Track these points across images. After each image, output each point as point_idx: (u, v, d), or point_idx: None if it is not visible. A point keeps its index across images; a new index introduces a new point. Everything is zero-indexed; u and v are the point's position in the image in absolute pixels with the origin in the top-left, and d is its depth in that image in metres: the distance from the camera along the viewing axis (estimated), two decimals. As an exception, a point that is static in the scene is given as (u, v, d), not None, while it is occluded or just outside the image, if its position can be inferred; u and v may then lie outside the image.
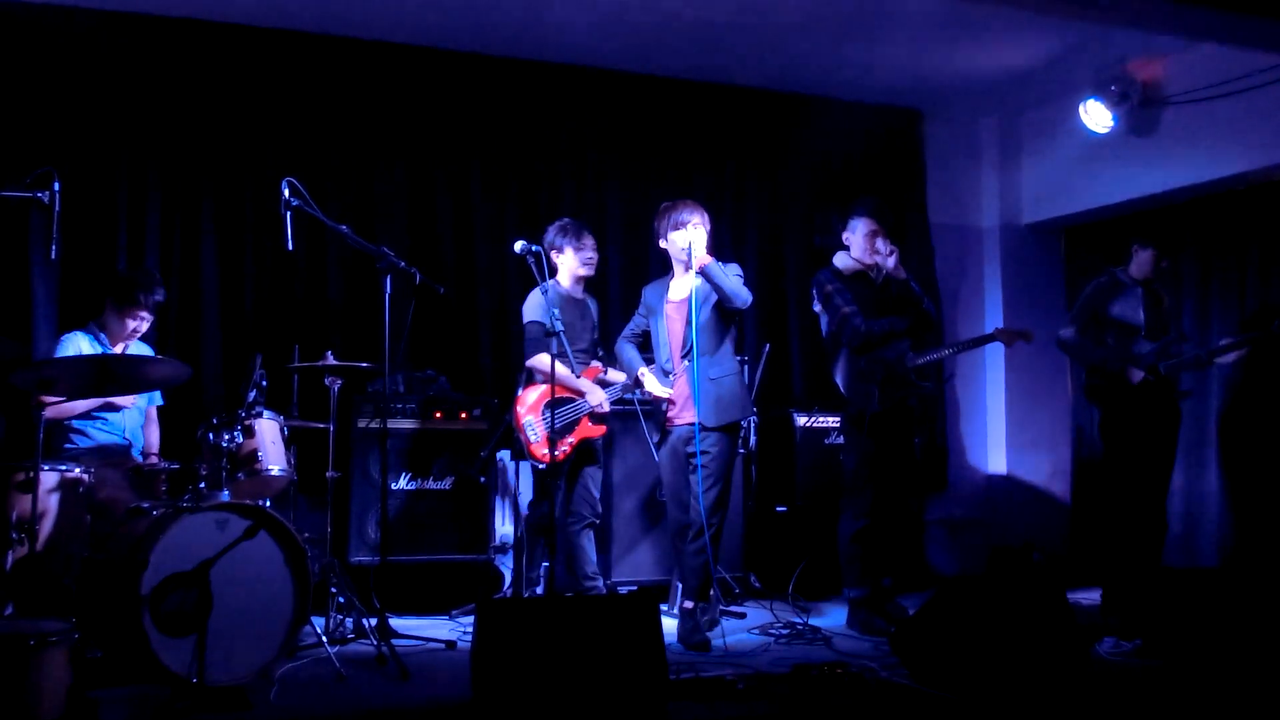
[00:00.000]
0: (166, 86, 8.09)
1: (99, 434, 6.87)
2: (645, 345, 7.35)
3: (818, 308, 7.53)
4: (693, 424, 6.84)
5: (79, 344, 6.81)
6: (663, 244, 7.12)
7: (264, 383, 6.53)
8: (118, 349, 6.93)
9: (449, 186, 8.86)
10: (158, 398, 7.29)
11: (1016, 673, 5.60)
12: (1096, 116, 9.21)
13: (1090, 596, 8.18)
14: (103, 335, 6.90)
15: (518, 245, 6.69)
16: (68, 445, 6.78)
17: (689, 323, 6.88)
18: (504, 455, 8.46)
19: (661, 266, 7.52)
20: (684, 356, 6.95)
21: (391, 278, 6.63)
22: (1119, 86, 9.04)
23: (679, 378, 7.02)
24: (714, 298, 6.90)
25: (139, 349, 7.11)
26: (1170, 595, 6.59)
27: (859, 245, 7.48)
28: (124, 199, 7.99)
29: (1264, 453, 8.91)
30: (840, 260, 7.57)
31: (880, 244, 7.40)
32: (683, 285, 7.08)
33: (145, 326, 7.04)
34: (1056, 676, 5.70)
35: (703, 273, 6.82)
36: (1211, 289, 9.44)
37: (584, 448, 7.40)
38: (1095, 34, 8.36)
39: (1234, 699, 5.62)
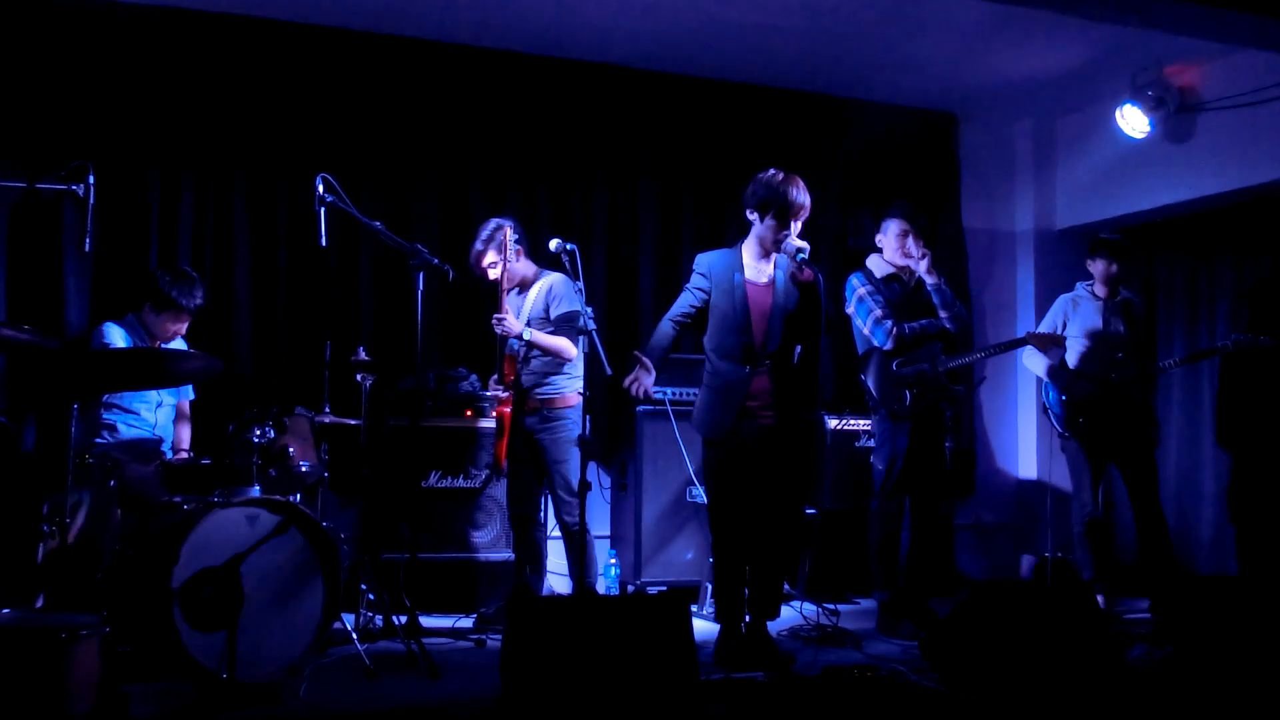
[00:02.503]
0: (200, 81, 8.10)
1: (130, 429, 6.89)
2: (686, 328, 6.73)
3: (850, 310, 7.50)
4: (768, 425, 6.40)
5: (114, 336, 6.84)
6: (753, 216, 6.53)
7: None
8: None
9: (482, 184, 8.84)
10: (189, 392, 7.31)
11: (1047, 678, 5.57)
12: (1133, 121, 9.16)
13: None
14: (139, 330, 6.93)
15: (553, 243, 6.64)
16: (99, 440, 6.80)
17: (775, 316, 6.45)
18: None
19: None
20: (769, 349, 6.43)
21: (424, 275, 6.65)
22: (1156, 91, 8.98)
23: (759, 377, 6.42)
24: (793, 294, 6.49)
25: (175, 343, 7.13)
26: (1201, 603, 6.55)
27: (891, 246, 7.47)
28: (156, 192, 8.00)
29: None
30: (874, 263, 7.56)
31: (911, 244, 7.39)
32: (762, 269, 6.57)
33: (184, 329, 7.07)
34: (1088, 682, 5.67)
35: (809, 287, 6.38)
36: (1245, 295, 9.38)
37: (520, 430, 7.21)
38: (1132, 38, 8.31)
39: (1266, 707, 5.58)
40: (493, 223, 7.36)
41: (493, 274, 7.28)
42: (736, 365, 6.45)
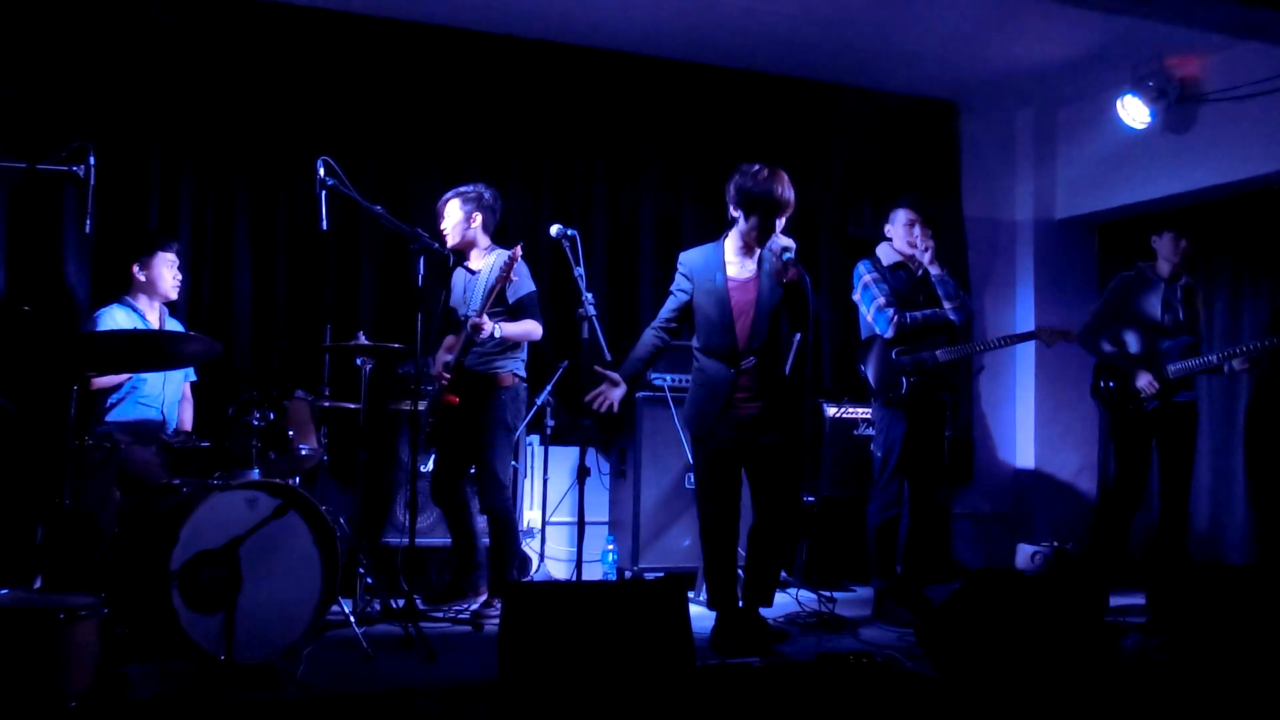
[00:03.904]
0: (202, 63, 8.08)
1: (135, 409, 6.88)
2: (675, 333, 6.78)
3: (856, 296, 7.52)
4: (752, 414, 6.41)
5: (115, 317, 6.84)
6: (736, 213, 6.43)
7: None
8: (154, 316, 6.96)
9: (483, 169, 8.79)
10: (192, 374, 7.30)
11: (1042, 666, 5.59)
12: (1133, 112, 9.17)
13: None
14: (138, 308, 6.93)
15: (553, 229, 6.63)
16: (106, 419, 6.79)
17: (757, 311, 6.43)
18: (533, 439, 8.48)
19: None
20: (753, 346, 6.42)
21: (425, 259, 6.64)
22: (1156, 82, 8.99)
23: (743, 370, 6.40)
24: (776, 290, 6.44)
25: (172, 326, 7.13)
26: (1195, 592, 6.58)
27: (899, 235, 7.49)
28: (156, 175, 7.98)
29: None
30: (883, 251, 7.57)
31: (918, 234, 7.40)
32: (745, 264, 6.52)
33: (178, 272, 7.10)
34: (1082, 670, 5.69)
35: (793, 286, 6.32)
36: (1243, 288, 9.38)
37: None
38: (1134, 29, 8.31)
39: (1259, 695, 5.61)
40: (480, 185, 7.42)
41: (443, 224, 7.31)
42: (723, 365, 6.45)
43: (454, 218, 7.27)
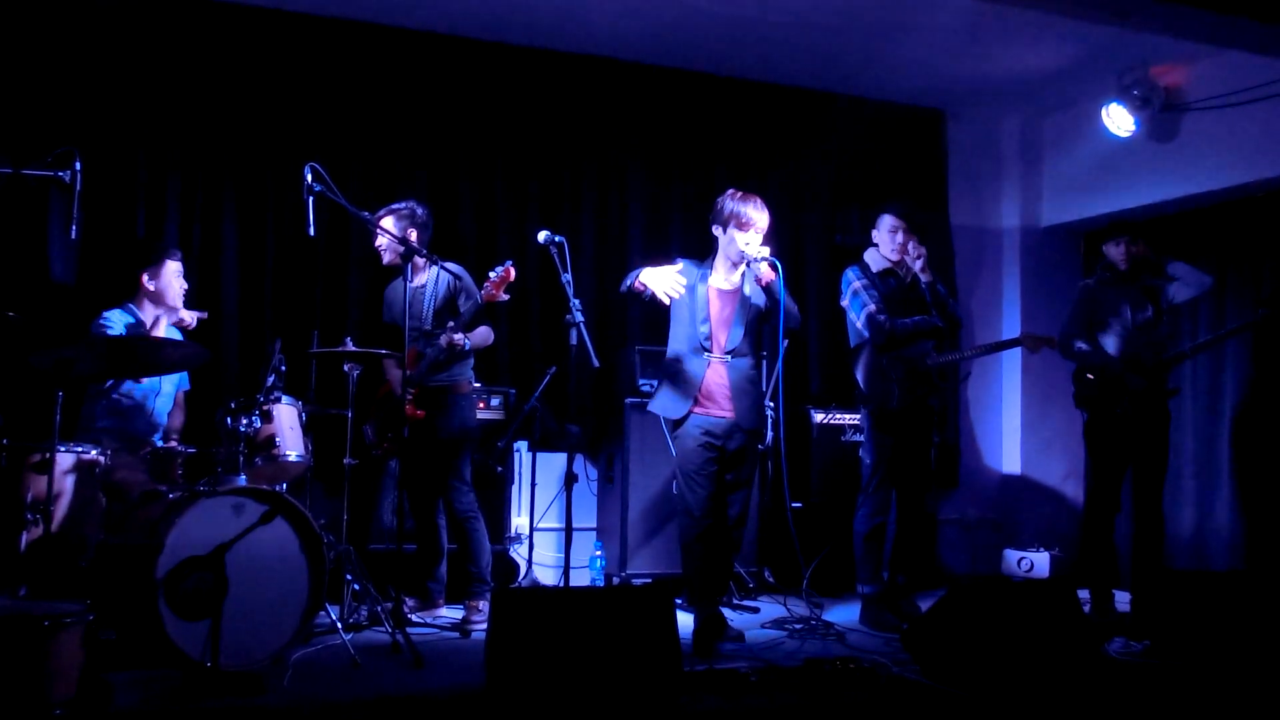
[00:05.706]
0: (189, 68, 8.06)
1: (121, 415, 6.83)
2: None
3: (845, 303, 7.54)
4: (725, 418, 6.65)
5: (115, 323, 6.80)
6: (716, 231, 6.80)
7: (283, 368, 6.55)
8: (160, 328, 6.93)
9: (471, 175, 8.83)
10: (185, 381, 7.26)
11: (1027, 671, 5.61)
12: (1118, 120, 9.21)
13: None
14: (139, 315, 6.90)
15: (541, 235, 6.65)
16: (97, 424, 6.76)
17: (737, 318, 6.72)
18: (521, 445, 8.48)
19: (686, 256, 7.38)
20: (728, 352, 6.69)
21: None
22: (1141, 91, 9.04)
23: (714, 367, 6.68)
24: (759, 300, 6.77)
25: (174, 334, 7.09)
26: (1180, 597, 6.59)
27: (886, 241, 7.51)
28: (144, 180, 7.96)
29: (1275, 454, 8.91)
30: (870, 257, 7.59)
31: (908, 241, 7.42)
32: (729, 276, 6.82)
33: (184, 280, 7.09)
34: (1067, 675, 5.71)
35: (769, 289, 6.63)
36: (1227, 296, 9.38)
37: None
38: (1118, 38, 8.34)
39: (1242, 700, 5.63)
40: (412, 201, 7.52)
41: (378, 240, 7.35)
42: (693, 353, 6.72)
43: (394, 235, 7.23)
